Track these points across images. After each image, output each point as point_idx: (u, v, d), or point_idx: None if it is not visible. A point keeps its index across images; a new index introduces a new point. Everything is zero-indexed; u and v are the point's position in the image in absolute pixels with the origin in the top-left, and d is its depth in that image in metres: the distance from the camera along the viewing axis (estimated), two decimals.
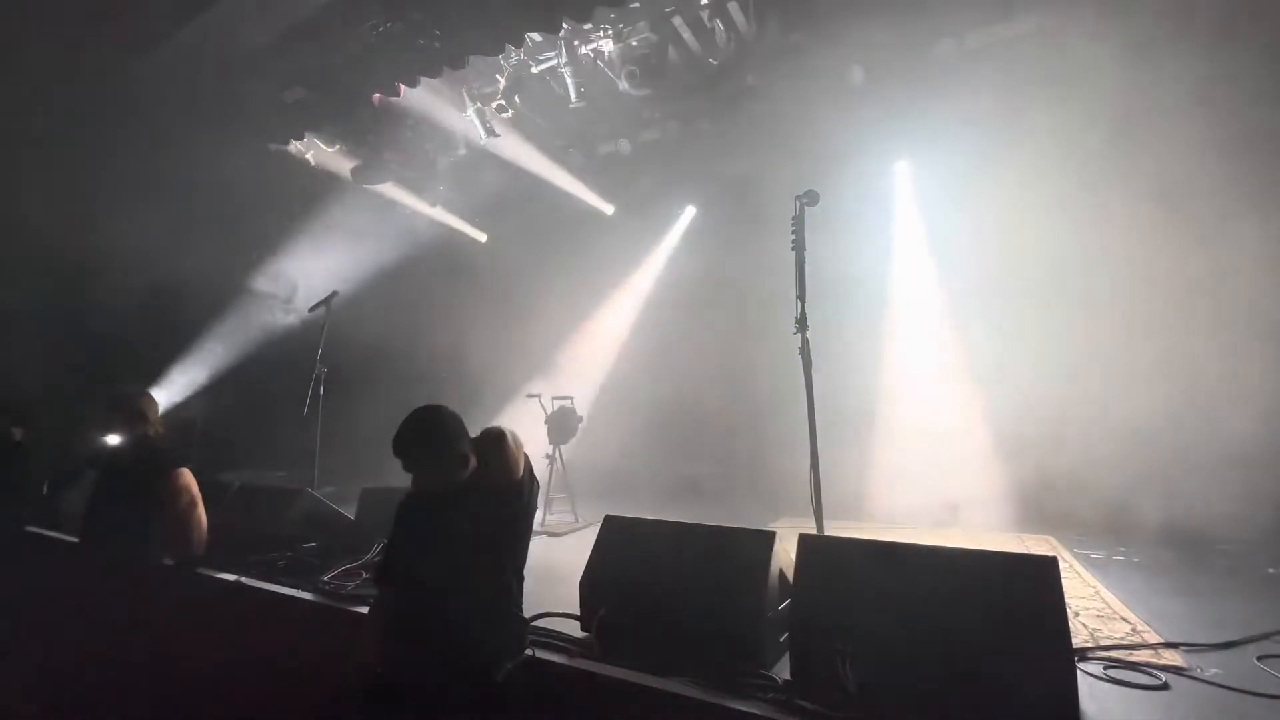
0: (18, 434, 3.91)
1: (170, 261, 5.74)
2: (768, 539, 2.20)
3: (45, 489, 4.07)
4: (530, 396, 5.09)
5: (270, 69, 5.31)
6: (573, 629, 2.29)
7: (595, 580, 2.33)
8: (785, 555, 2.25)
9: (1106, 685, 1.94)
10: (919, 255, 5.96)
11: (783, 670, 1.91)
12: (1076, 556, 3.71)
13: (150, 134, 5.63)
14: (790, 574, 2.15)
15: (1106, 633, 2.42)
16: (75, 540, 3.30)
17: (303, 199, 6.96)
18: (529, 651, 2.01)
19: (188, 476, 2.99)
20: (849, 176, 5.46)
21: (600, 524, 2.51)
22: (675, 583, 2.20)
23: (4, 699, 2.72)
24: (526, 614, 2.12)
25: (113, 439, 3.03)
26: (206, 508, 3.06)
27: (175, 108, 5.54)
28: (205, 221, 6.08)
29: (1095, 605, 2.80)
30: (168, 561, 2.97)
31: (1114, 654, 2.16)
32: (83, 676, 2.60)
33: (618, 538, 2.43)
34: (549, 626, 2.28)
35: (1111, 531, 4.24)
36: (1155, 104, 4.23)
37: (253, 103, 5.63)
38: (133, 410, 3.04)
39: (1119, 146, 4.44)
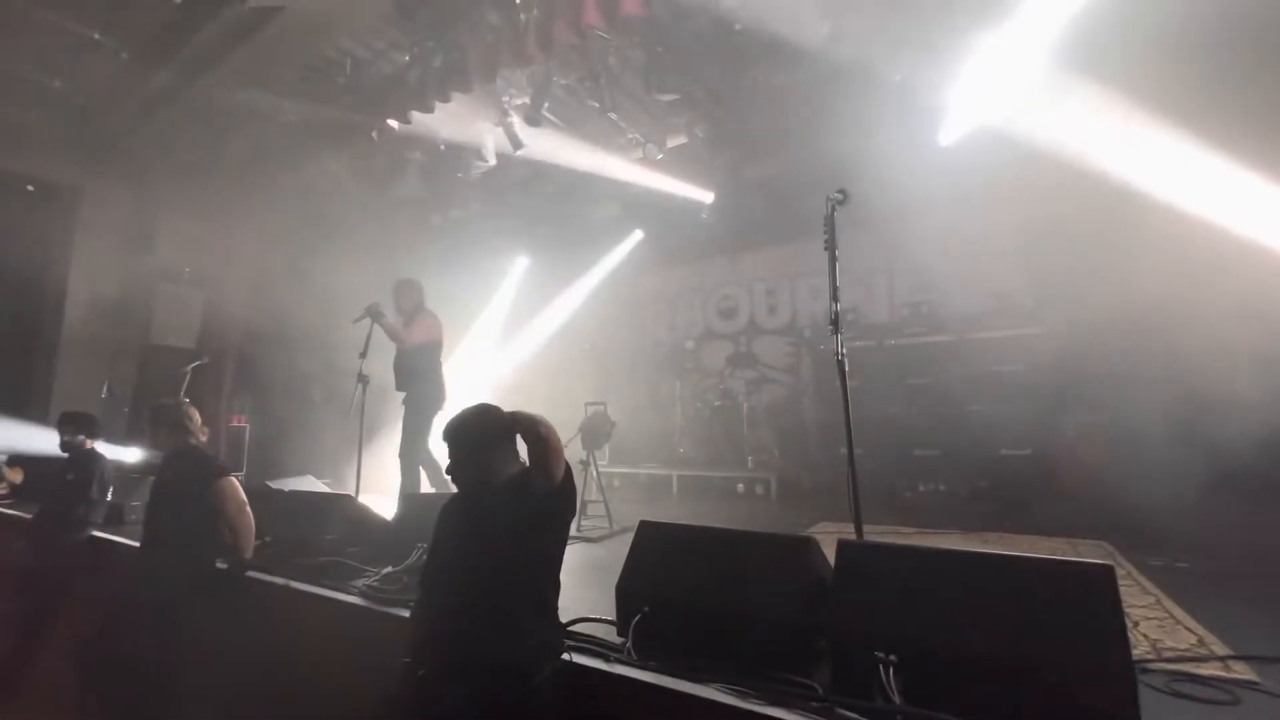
0: (88, 443, 4.15)
1: None
2: (804, 544, 2.17)
3: (109, 495, 4.29)
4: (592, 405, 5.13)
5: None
6: (609, 634, 2.29)
7: (630, 585, 2.33)
8: (823, 561, 2.20)
9: (1171, 700, 1.84)
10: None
11: (822, 678, 1.87)
12: (1134, 563, 3.53)
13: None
14: (829, 580, 2.10)
15: (1170, 644, 2.29)
16: (136, 545, 3.46)
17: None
18: (565, 656, 2.02)
19: (234, 484, 3.11)
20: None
21: (635, 529, 2.51)
22: (711, 588, 2.18)
23: (66, 697, 2.88)
24: (563, 618, 2.13)
25: (159, 449, 3.19)
26: (256, 513, 3.18)
27: None
28: None
29: (1156, 615, 2.66)
30: (220, 565, 3.10)
31: (1179, 667, 2.04)
32: (142, 674, 2.72)
33: (653, 543, 2.43)
34: (585, 631, 2.29)
35: (1172, 536, 4.02)
36: None
37: None
38: (175, 421, 3.18)
39: None
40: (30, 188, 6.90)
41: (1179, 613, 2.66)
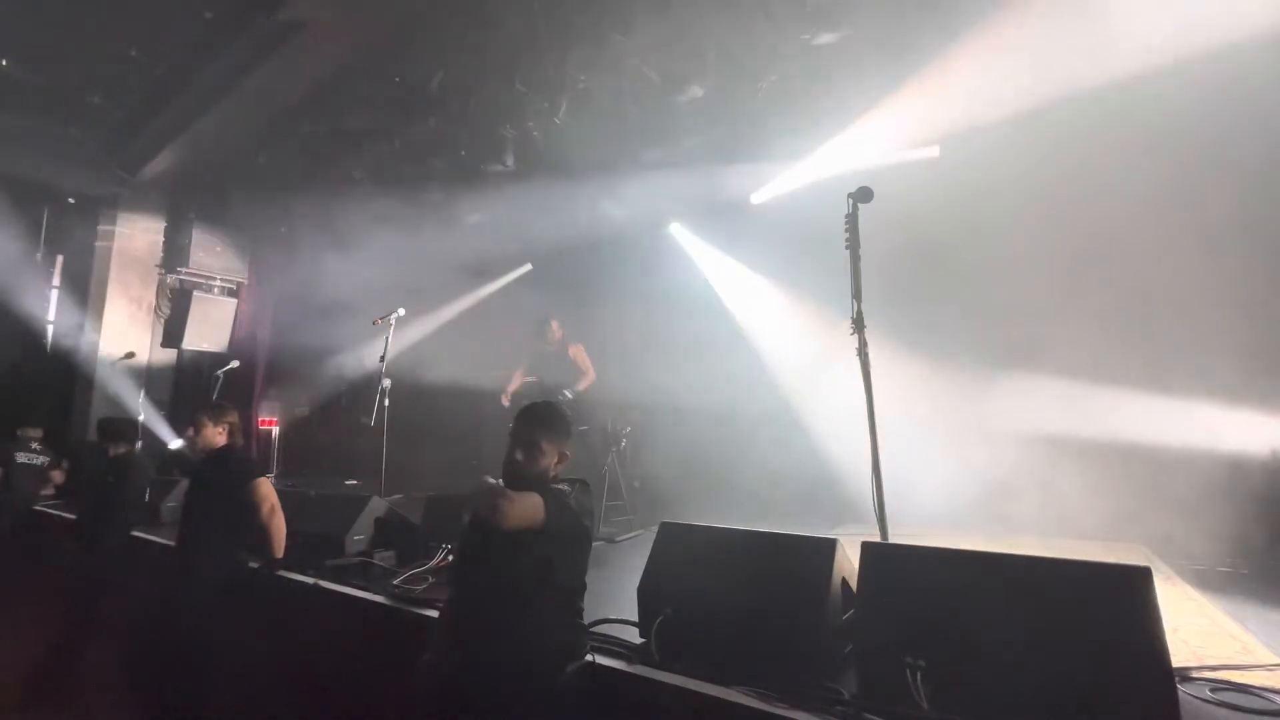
0: (128, 447, 4.31)
1: None
2: (829, 546, 2.14)
3: (146, 496, 4.44)
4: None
5: None
6: (631, 635, 2.29)
7: (652, 587, 2.32)
8: (848, 563, 2.17)
9: (1215, 709, 1.77)
10: None
11: (848, 683, 1.84)
12: (1174, 567, 3.41)
13: None
14: (853, 583, 2.07)
15: (1212, 651, 2.21)
16: (172, 544, 3.57)
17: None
18: (588, 656, 2.02)
19: (267, 486, 3.19)
20: None
21: (656, 530, 2.51)
22: (734, 590, 2.16)
23: (98, 692, 2.97)
24: (585, 619, 2.14)
25: (200, 449, 3.28)
26: (286, 515, 3.26)
27: None
28: None
29: (1198, 621, 2.57)
30: (253, 565, 3.17)
31: (1222, 674, 1.97)
32: (174, 669, 2.80)
33: (674, 544, 2.42)
34: (607, 632, 2.29)
35: (1216, 539, 3.87)
36: None
37: None
38: (228, 424, 3.28)
39: None
40: (72, 200, 7.18)
41: (1222, 618, 2.57)
